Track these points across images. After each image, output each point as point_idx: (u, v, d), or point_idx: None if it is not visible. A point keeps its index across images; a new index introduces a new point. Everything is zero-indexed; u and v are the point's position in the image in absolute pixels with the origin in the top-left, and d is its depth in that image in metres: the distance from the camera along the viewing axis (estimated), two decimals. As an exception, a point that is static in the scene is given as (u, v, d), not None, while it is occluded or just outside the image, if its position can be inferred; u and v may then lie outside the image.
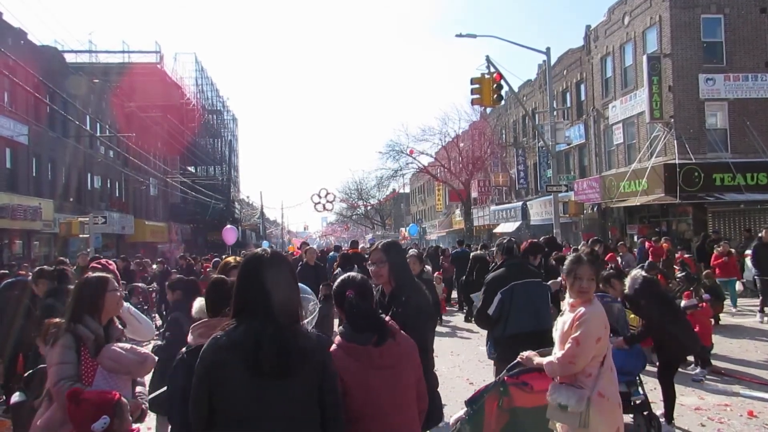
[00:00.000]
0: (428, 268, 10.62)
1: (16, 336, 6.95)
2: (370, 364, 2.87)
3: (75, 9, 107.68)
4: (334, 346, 2.91)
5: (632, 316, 6.97)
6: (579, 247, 12.97)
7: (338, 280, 3.19)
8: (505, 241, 6.03)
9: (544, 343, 4.14)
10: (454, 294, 18.17)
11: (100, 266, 6.34)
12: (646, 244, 17.34)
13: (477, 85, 19.25)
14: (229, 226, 19.29)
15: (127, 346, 3.74)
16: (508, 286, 5.30)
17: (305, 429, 2.40)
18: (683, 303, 8.93)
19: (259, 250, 2.69)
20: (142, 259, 21.54)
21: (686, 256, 15.30)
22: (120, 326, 3.96)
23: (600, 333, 3.71)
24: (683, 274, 12.03)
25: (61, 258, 11.23)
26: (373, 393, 2.86)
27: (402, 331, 3.09)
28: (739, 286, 15.19)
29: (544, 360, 3.87)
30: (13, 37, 24.16)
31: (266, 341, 2.35)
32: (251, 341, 2.35)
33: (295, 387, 2.38)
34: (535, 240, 7.84)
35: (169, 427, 3.20)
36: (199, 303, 3.97)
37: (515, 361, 4.23)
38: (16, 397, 3.74)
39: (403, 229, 47.35)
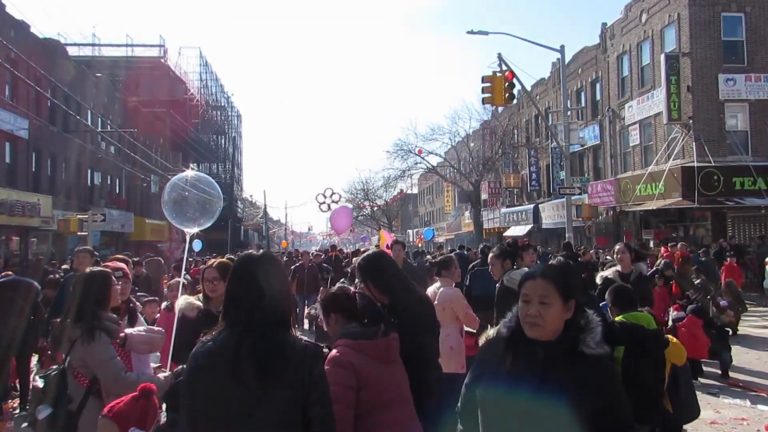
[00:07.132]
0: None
1: (15, 339, 6.84)
2: (379, 359, 2.96)
3: (79, 1, 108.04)
4: (342, 348, 2.94)
5: None
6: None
7: (336, 287, 3.36)
8: (482, 246, 11.12)
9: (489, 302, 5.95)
10: None
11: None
12: (662, 249, 16.66)
13: (488, 84, 18.95)
14: (340, 206, 17.23)
15: (141, 327, 4.13)
16: (473, 271, 8.75)
17: None
18: (672, 315, 8.69)
19: (251, 251, 2.66)
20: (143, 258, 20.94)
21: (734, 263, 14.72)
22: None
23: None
24: (698, 281, 11.49)
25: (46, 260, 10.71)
26: (385, 387, 2.95)
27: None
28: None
29: None
30: (15, 29, 23.70)
31: (245, 350, 2.30)
32: (230, 349, 2.30)
33: (276, 396, 2.29)
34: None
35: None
36: (184, 300, 4.36)
37: None
38: (44, 412, 3.52)
39: (420, 231, 46.62)
